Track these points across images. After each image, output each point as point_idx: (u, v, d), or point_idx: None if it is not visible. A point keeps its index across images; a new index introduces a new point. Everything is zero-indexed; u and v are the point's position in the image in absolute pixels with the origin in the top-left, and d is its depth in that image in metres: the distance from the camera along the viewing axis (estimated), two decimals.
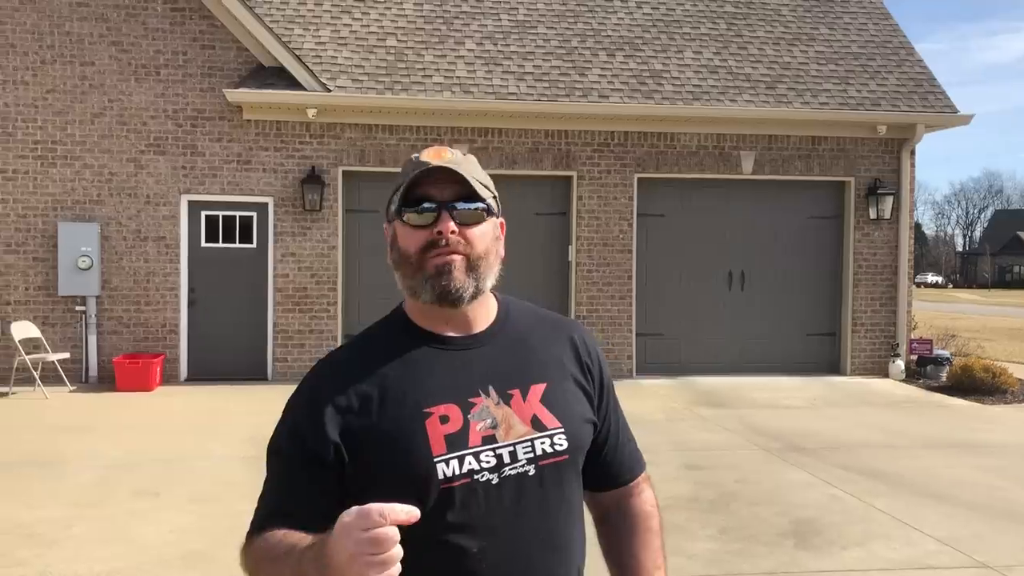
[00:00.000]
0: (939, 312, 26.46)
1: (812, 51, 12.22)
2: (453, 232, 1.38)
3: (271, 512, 1.37)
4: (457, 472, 1.34)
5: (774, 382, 10.93)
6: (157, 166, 10.41)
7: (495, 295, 1.51)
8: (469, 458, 1.36)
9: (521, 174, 10.96)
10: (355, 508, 1.11)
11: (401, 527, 1.10)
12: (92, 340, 10.28)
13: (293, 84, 10.22)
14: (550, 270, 11.24)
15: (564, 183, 11.26)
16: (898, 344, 11.58)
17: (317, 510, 1.31)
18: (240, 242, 10.69)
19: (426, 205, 1.39)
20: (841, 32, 12.63)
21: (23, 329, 9.84)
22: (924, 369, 11.41)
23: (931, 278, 68.90)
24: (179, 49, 10.43)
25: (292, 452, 1.39)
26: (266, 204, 10.61)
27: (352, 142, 10.70)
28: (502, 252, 1.49)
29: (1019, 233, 72.41)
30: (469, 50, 11.31)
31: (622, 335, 11.22)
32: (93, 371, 10.29)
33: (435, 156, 1.41)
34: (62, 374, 9.94)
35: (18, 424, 8.21)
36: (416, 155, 1.44)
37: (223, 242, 10.67)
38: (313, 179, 10.52)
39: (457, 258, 1.39)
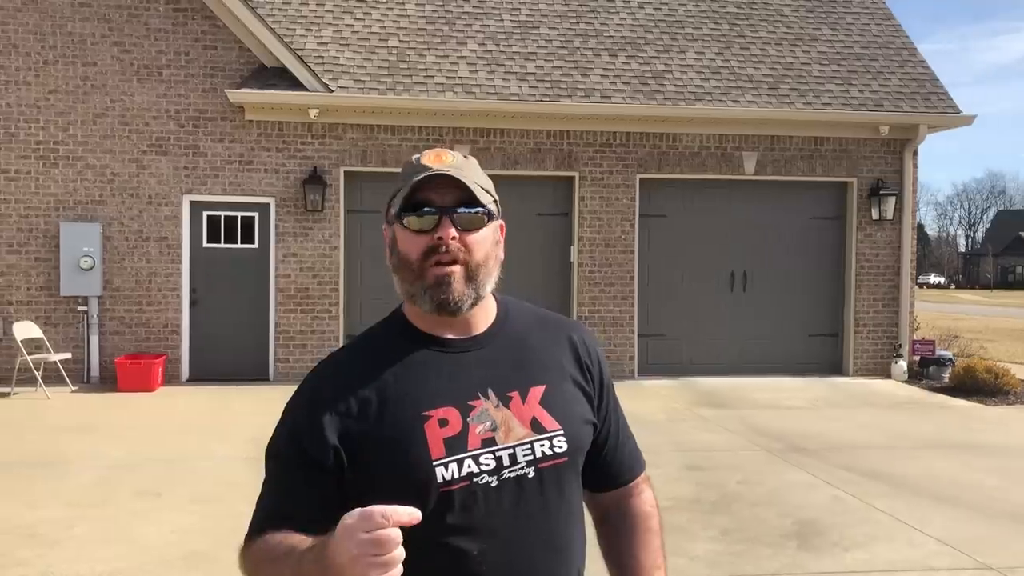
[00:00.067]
0: (941, 313, 26.42)
1: (814, 51, 12.21)
2: (453, 239, 1.38)
3: (270, 514, 1.37)
4: (456, 475, 1.34)
5: (776, 383, 10.92)
6: (159, 166, 10.42)
7: (494, 296, 1.51)
8: (468, 461, 1.36)
9: (523, 175, 10.96)
10: (357, 510, 1.11)
11: (402, 529, 1.11)
12: (94, 340, 10.29)
13: (295, 84, 10.23)
14: (552, 271, 11.24)
15: (566, 184, 11.25)
16: (900, 345, 11.57)
17: (316, 513, 1.30)
18: (242, 242, 10.69)
19: (427, 210, 1.39)
20: (843, 32, 12.62)
21: (25, 329, 9.85)
22: (926, 370, 11.40)
23: (933, 279, 68.94)
24: (181, 49, 10.44)
25: (291, 455, 1.39)
26: (268, 204, 10.61)
27: (354, 142, 10.71)
28: (501, 255, 1.49)
29: (1021, 234, 72.32)
30: (471, 50, 11.31)
31: (624, 336, 11.21)
32: (95, 371, 10.30)
33: (436, 160, 1.41)
34: (64, 374, 9.95)
35: (20, 424, 8.21)
36: (417, 156, 1.44)
37: (225, 242, 10.67)
38: (315, 179, 10.52)
39: (456, 269, 1.38)
